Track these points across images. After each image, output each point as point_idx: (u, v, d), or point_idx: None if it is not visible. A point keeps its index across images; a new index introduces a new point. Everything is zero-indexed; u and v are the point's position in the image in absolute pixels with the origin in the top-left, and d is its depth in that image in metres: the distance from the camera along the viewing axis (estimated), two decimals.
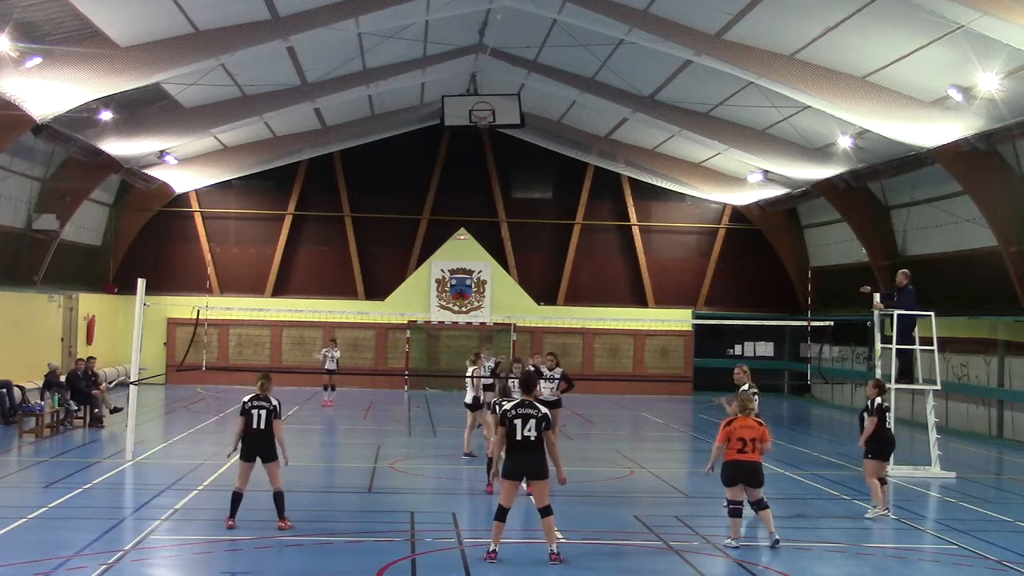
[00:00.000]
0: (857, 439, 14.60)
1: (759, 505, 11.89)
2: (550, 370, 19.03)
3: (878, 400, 14.34)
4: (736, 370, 14.72)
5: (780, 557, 11.42)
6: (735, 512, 11.78)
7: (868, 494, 14.42)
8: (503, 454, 11.27)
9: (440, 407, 28.54)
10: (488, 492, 14.44)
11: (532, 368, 19.27)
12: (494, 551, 10.73)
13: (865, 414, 14.44)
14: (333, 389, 28.10)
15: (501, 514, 10.78)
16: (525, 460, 10.79)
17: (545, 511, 10.78)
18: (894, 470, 17.48)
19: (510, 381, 16.05)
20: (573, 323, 32.72)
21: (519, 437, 10.77)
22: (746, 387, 14.18)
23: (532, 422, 10.78)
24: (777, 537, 11.68)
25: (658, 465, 18.76)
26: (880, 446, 14.19)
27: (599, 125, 33.05)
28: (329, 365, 27.67)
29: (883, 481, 14.20)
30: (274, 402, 12.26)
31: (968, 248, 25.47)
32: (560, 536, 12.05)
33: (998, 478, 19.36)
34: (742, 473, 11.78)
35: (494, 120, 27.40)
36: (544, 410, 11.01)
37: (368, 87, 28.45)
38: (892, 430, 14.46)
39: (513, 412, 10.87)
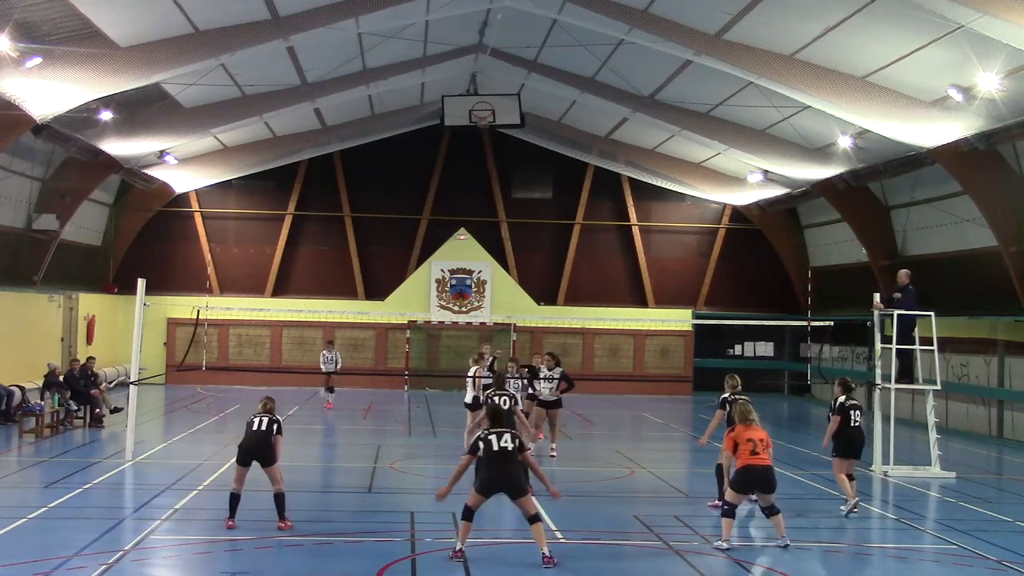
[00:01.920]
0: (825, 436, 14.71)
1: (771, 510, 11.85)
2: (549, 370, 19.09)
3: (840, 399, 14.42)
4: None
5: (780, 557, 11.42)
6: (729, 514, 11.75)
7: (867, 494, 14.44)
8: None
9: (440, 407, 28.55)
10: None
11: (522, 370, 19.44)
12: (460, 550, 10.75)
13: (831, 414, 14.55)
14: (332, 390, 27.53)
15: (468, 514, 10.81)
16: (501, 472, 10.78)
17: (533, 519, 10.78)
18: (894, 470, 17.57)
19: (507, 376, 16.34)
20: (573, 323, 32.73)
21: (496, 448, 10.86)
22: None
23: (508, 435, 10.97)
24: (788, 542, 11.66)
25: (658, 465, 18.77)
26: (845, 444, 14.24)
27: (599, 125, 33.04)
28: (327, 367, 27.17)
29: (850, 477, 14.22)
30: (277, 417, 12.44)
31: (968, 248, 25.47)
32: (560, 536, 12.09)
33: (998, 478, 19.35)
34: (757, 479, 11.72)
35: (494, 120, 27.41)
36: (518, 433, 11.36)
37: (368, 87, 28.44)
38: (861, 427, 14.34)
39: (486, 432, 11.13)
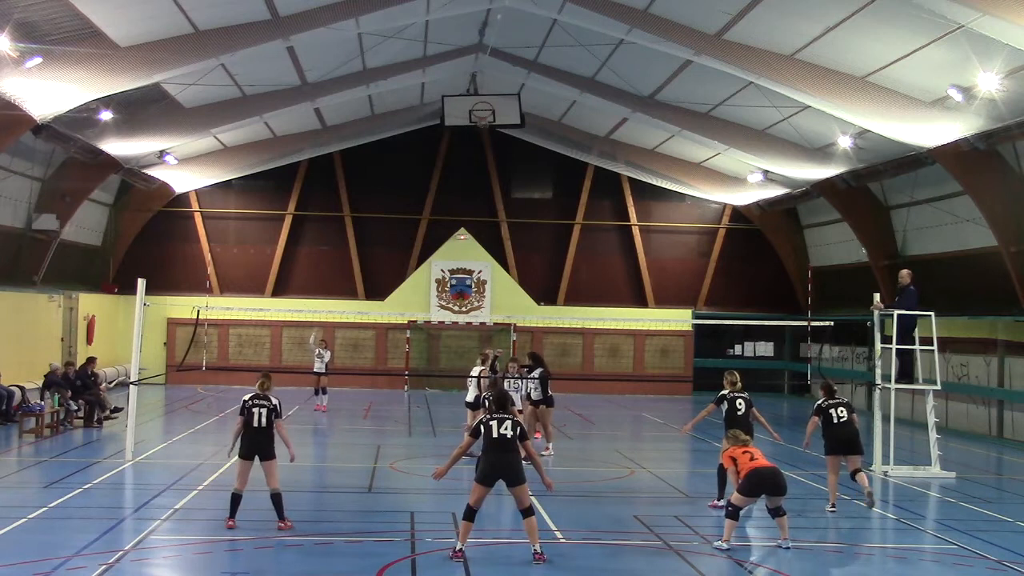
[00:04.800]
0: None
1: (777, 512, 11.90)
2: (531, 371, 19.26)
3: (819, 401, 14.56)
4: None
5: (780, 557, 11.43)
6: (733, 515, 11.76)
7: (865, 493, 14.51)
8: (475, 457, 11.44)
9: (440, 407, 28.54)
10: None
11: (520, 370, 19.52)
12: (460, 550, 10.75)
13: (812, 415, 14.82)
14: (324, 392, 26.48)
15: (469, 514, 10.81)
16: (501, 460, 10.81)
17: (527, 512, 10.81)
18: (894, 470, 17.57)
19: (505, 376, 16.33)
20: (573, 323, 32.71)
21: (495, 435, 10.91)
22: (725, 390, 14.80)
23: (508, 423, 11.00)
24: (790, 544, 11.68)
25: (658, 465, 18.77)
26: (830, 442, 14.34)
27: (599, 125, 33.05)
28: (318, 367, 26.38)
29: (857, 471, 14.26)
30: (274, 401, 12.30)
31: (968, 248, 25.47)
32: (560, 536, 12.10)
33: (998, 478, 19.36)
34: (765, 481, 11.72)
35: (494, 120, 27.37)
36: (520, 420, 11.37)
37: (368, 87, 28.45)
38: (848, 422, 14.24)
39: (488, 417, 11.21)
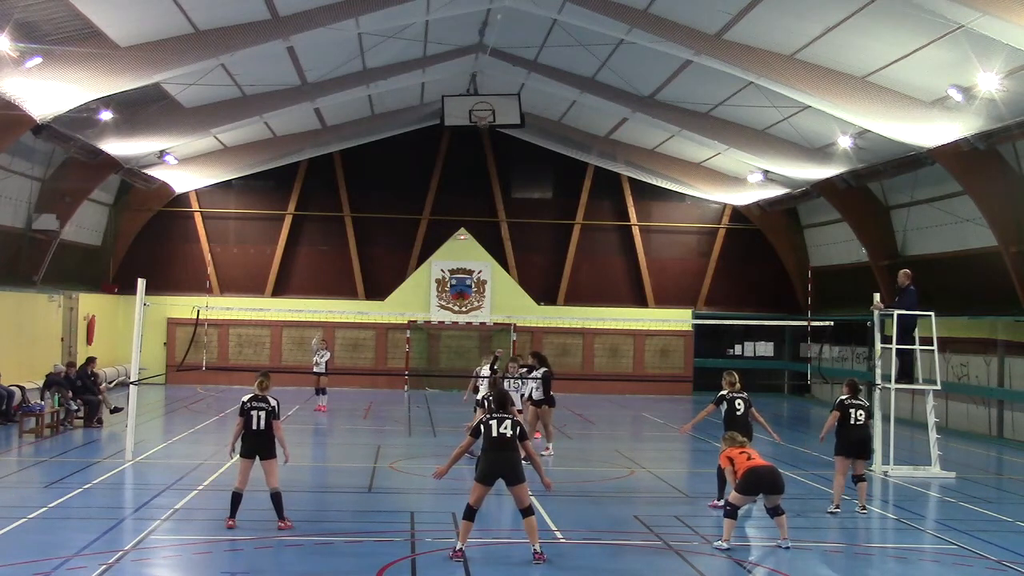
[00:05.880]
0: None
1: (776, 511, 11.89)
2: (536, 369, 19.27)
3: (842, 396, 14.52)
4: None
5: (780, 557, 11.43)
6: (731, 515, 11.77)
7: (868, 494, 14.48)
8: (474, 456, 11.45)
9: (440, 407, 28.54)
10: None
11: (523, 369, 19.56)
12: (460, 550, 10.75)
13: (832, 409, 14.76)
14: (323, 392, 26.47)
15: (469, 514, 10.81)
16: (500, 458, 10.82)
17: (526, 512, 10.80)
18: (894, 470, 17.57)
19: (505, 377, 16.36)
20: (573, 323, 32.70)
21: (495, 434, 10.92)
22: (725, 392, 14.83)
23: (508, 422, 11.01)
24: (790, 543, 11.68)
25: (658, 465, 18.76)
26: (842, 442, 14.30)
27: (599, 125, 33.05)
28: (318, 367, 26.24)
29: (860, 478, 14.27)
30: (273, 402, 12.29)
31: (968, 248, 25.47)
32: (560, 536, 12.10)
33: (998, 478, 19.36)
34: (763, 480, 11.73)
35: (494, 120, 27.40)
36: (520, 420, 11.38)
37: (368, 87, 28.44)
38: (863, 426, 14.27)
39: (488, 417, 11.21)
